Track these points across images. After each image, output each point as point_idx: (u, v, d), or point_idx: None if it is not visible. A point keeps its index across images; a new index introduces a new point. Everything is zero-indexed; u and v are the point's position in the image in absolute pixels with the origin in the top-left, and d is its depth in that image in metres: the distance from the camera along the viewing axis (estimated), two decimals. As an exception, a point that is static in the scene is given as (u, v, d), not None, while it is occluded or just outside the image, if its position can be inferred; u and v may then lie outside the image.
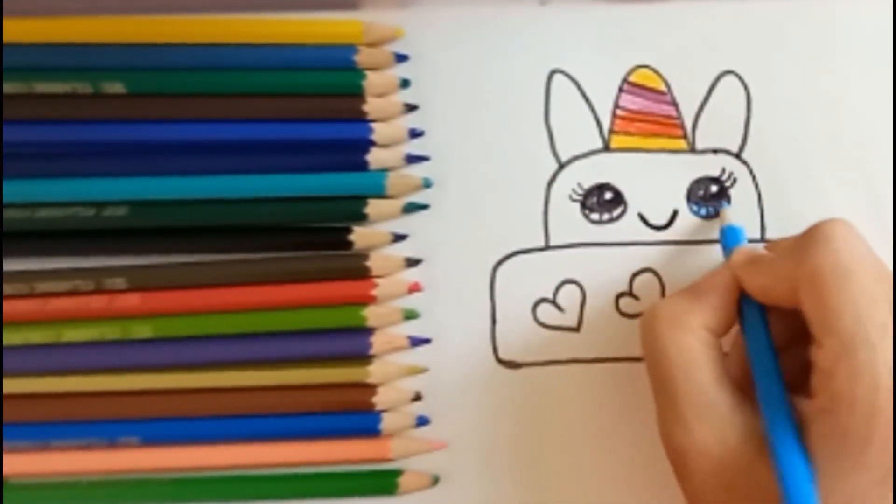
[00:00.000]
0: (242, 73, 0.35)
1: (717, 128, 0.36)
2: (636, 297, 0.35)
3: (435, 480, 0.35)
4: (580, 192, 0.36)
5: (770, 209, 0.36)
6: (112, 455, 0.35)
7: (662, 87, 0.36)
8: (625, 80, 0.36)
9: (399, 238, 0.36)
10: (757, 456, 0.28)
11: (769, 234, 0.35)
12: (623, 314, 0.35)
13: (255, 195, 0.35)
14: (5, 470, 0.35)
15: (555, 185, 0.36)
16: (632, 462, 0.35)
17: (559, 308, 0.35)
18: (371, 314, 0.35)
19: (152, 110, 0.35)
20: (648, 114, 0.36)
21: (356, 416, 0.35)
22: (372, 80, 0.36)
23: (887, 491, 0.26)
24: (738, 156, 0.36)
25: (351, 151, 0.35)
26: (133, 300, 0.35)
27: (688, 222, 0.36)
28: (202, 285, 0.35)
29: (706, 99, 0.36)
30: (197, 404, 0.35)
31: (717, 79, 0.36)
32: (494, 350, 0.35)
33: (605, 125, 0.36)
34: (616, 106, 0.36)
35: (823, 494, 0.26)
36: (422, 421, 0.35)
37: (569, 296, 0.35)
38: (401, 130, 0.36)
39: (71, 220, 0.35)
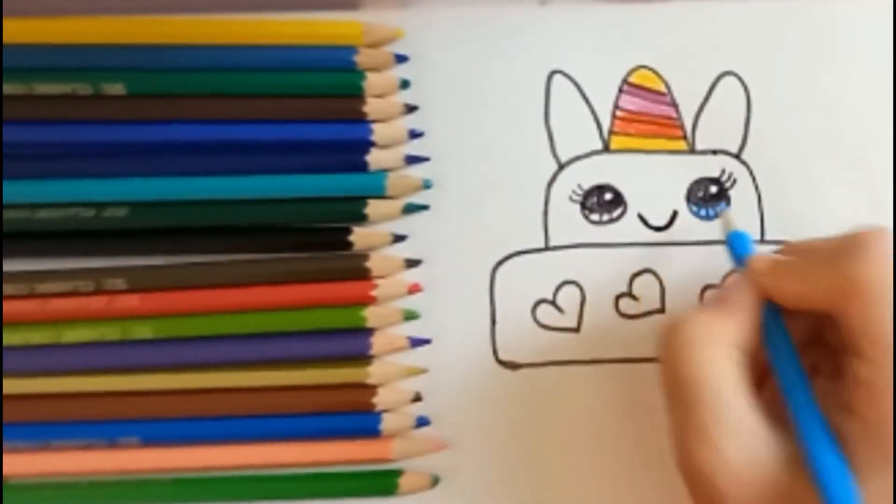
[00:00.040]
0: (242, 73, 0.35)
1: (717, 128, 0.36)
2: (636, 298, 0.35)
3: (435, 481, 0.35)
4: (580, 192, 0.36)
5: (770, 210, 0.36)
6: (112, 455, 0.35)
7: (662, 88, 0.36)
8: (624, 81, 0.36)
9: (399, 239, 0.36)
10: (796, 477, 0.27)
11: (769, 236, 0.35)
12: (623, 315, 0.35)
13: (255, 196, 0.35)
14: (6, 470, 0.35)
15: (554, 186, 0.36)
16: (632, 462, 0.35)
17: (559, 309, 0.35)
18: (371, 315, 0.35)
19: (152, 111, 0.35)
20: (648, 114, 0.36)
21: (356, 416, 0.35)
22: (372, 81, 0.36)
23: None
24: (737, 156, 0.36)
25: (351, 152, 0.35)
26: (133, 301, 0.35)
27: (687, 223, 0.36)
28: (202, 286, 0.35)
29: (706, 100, 0.36)
30: (197, 405, 0.35)
31: (717, 79, 0.36)
32: (494, 351, 0.35)
33: (605, 126, 0.36)
34: (616, 107, 0.36)
35: None
36: (422, 421, 0.35)
37: (568, 296, 0.35)
38: (400, 131, 0.36)
39: (71, 221, 0.35)
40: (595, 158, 0.36)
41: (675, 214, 0.36)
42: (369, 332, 0.35)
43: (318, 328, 0.35)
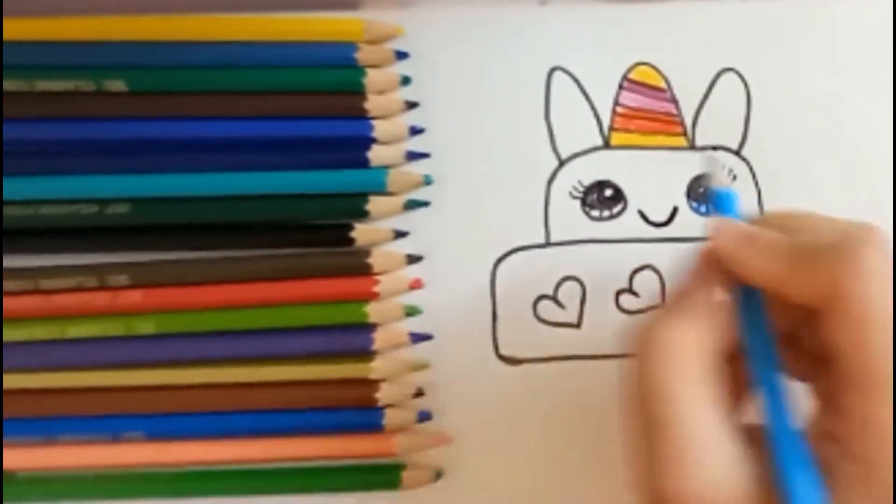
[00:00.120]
0: (244, 70, 0.35)
1: (717, 125, 0.36)
2: (636, 294, 0.35)
3: (437, 475, 0.35)
4: (580, 189, 0.36)
5: (769, 206, 0.36)
6: (116, 450, 0.35)
7: (662, 85, 0.36)
8: (625, 78, 0.36)
9: (400, 235, 0.36)
10: (768, 497, 0.24)
11: (768, 232, 0.36)
12: (623, 311, 0.35)
13: (257, 192, 0.35)
14: (11, 464, 0.35)
15: (555, 183, 0.36)
16: (632, 457, 0.35)
17: (560, 304, 0.36)
18: (373, 311, 0.35)
19: (154, 108, 0.35)
20: (648, 111, 0.36)
21: (359, 411, 0.35)
22: (373, 78, 0.36)
23: None
24: (737, 153, 0.36)
25: (352, 148, 0.36)
26: (136, 297, 0.35)
27: (688, 219, 0.36)
28: (204, 282, 0.35)
29: (706, 96, 0.36)
30: (200, 400, 0.35)
31: (717, 76, 0.36)
32: (495, 346, 0.36)
33: (606, 122, 0.36)
34: (616, 103, 0.36)
35: None
36: (424, 416, 0.35)
37: (569, 292, 0.36)
38: (401, 128, 0.36)
39: (73, 218, 0.35)
40: (595, 155, 0.36)
41: (675, 211, 0.36)
42: (371, 327, 0.35)
43: (321, 324, 0.35)
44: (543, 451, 0.35)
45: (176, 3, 0.36)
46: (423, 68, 0.36)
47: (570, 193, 0.36)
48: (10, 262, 0.35)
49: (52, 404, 0.35)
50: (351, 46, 0.35)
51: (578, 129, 0.36)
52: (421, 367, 0.36)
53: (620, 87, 0.36)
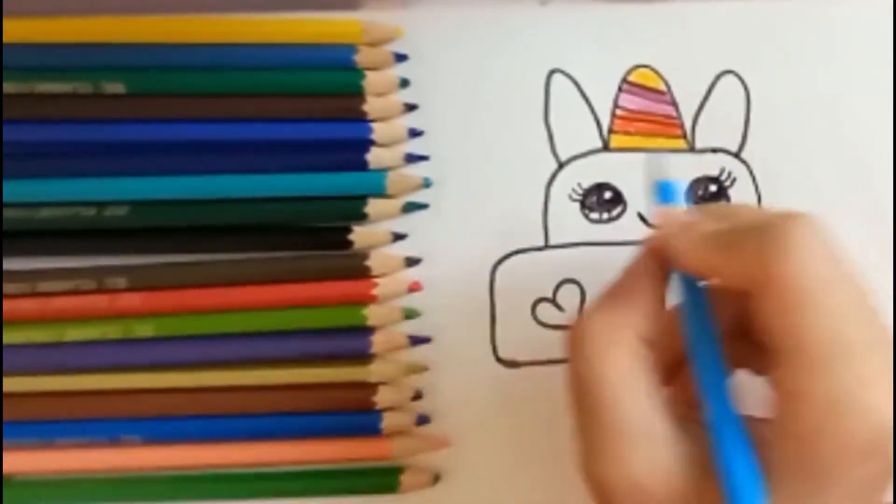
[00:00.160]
0: (242, 72, 0.35)
1: (717, 127, 0.36)
2: (635, 297, 0.35)
3: (436, 478, 0.35)
4: (580, 191, 0.36)
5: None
6: (114, 453, 0.35)
7: (662, 87, 0.36)
8: (624, 80, 0.36)
9: (399, 237, 0.36)
10: (705, 478, 0.25)
11: (768, 234, 0.35)
12: (622, 313, 0.35)
13: (256, 195, 0.35)
14: (9, 467, 0.35)
15: (554, 185, 0.36)
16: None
17: (559, 307, 0.36)
18: (371, 313, 0.35)
19: (152, 110, 0.35)
20: (648, 113, 0.36)
21: (357, 415, 0.35)
22: (371, 80, 0.36)
23: None
24: (737, 155, 0.36)
25: (351, 151, 0.35)
26: (134, 299, 0.35)
27: (687, 221, 0.36)
28: (203, 285, 0.35)
29: (705, 98, 0.36)
30: (198, 403, 0.35)
31: (717, 78, 0.36)
32: (494, 349, 0.35)
33: (605, 125, 0.36)
34: (615, 105, 0.36)
35: None
36: (422, 419, 0.35)
37: (568, 295, 0.35)
38: (400, 130, 0.36)
39: (72, 220, 0.35)
40: (595, 157, 0.36)
41: (674, 213, 0.36)
42: (370, 330, 0.35)
43: (319, 327, 0.35)
44: (542, 454, 0.35)
45: (175, 4, 0.36)
46: (423, 70, 0.36)
47: (570, 196, 0.36)
48: (9, 264, 0.35)
49: (50, 407, 0.35)
50: (350, 49, 0.35)
51: (578, 132, 0.36)
52: (419, 369, 0.35)
53: (620, 89, 0.36)
